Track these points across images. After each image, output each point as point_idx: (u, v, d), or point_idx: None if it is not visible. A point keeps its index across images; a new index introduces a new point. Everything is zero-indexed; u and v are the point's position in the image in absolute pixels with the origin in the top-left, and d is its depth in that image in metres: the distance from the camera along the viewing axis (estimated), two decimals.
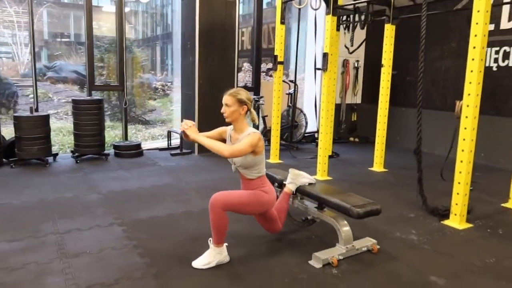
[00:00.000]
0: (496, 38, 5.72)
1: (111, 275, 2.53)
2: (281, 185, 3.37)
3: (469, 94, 3.35)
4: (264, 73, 8.57)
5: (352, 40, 5.72)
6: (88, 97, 5.76)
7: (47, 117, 5.30)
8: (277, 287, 2.47)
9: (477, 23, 3.27)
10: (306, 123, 7.22)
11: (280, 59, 5.64)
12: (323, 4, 5.66)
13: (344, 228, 2.90)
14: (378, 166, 5.54)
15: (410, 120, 6.93)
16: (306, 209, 3.22)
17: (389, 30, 5.20)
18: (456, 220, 3.52)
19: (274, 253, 2.92)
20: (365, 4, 4.96)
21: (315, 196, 3.07)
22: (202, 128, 6.59)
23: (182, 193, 4.28)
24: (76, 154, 5.53)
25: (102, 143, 5.67)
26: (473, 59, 3.31)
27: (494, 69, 5.82)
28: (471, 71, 3.32)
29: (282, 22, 5.57)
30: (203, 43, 5.95)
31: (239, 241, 3.01)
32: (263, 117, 6.79)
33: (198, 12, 5.83)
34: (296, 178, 3.20)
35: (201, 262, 2.66)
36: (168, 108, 9.77)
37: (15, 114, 5.20)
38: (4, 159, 5.17)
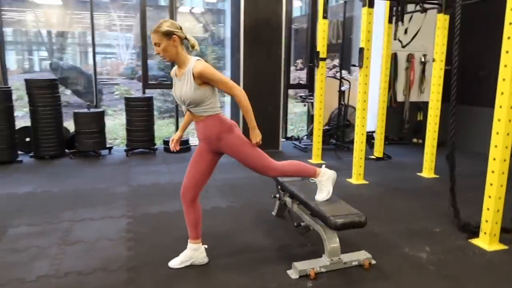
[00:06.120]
0: None
1: (92, 265, 2.68)
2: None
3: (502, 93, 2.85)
4: (329, 69, 8.40)
5: (406, 32, 5.22)
6: (139, 95, 6.14)
7: (101, 114, 5.79)
8: None
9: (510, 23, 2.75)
10: None
11: (322, 55, 5.39)
12: None
13: (331, 239, 2.67)
14: (427, 171, 5.00)
15: (479, 120, 6.23)
16: (301, 215, 3.05)
17: (441, 21, 4.64)
18: (486, 240, 3.03)
19: (261, 256, 2.82)
20: None
21: (299, 198, 2.90)
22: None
23: (204, 190, 4.33)
24: (128, 148, 5.96)
25: (151, 138, 6.03)
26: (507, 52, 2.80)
27: None
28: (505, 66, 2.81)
29: (325, 17, 5.30)
30: (248, 39, 5.94)
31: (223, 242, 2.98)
32: (312, 116, 6.55)
33: (243, 8, 5.85)
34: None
35: None
36: None
37: (75, 111, 5.76)
38: (66, 150, 5.80)
